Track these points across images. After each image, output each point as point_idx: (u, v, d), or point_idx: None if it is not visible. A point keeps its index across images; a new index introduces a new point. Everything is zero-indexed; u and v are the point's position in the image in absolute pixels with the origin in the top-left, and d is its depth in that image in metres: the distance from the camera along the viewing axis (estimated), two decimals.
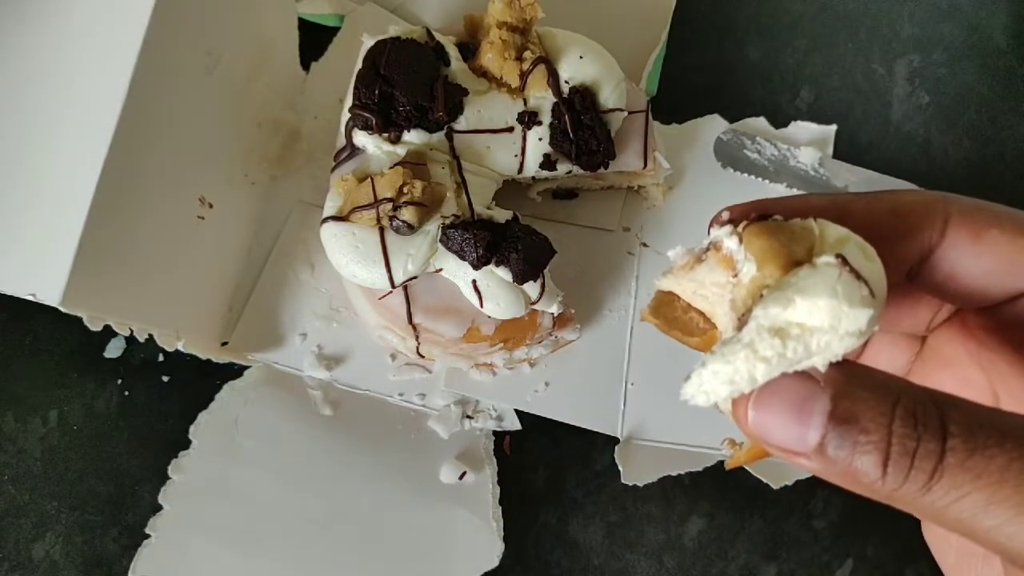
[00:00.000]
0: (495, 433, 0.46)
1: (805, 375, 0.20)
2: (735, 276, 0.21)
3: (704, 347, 0.23)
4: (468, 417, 0.46)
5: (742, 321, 0.21)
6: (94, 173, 0.37)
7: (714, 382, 0.20)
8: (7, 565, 0.42)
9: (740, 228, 0.21)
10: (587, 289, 0.48)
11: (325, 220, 0.40)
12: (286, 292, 0.47)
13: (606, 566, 0.45)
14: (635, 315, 0.48)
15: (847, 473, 0.19)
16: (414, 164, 0.40)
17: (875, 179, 0.50)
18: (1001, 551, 0.19)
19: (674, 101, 0.52)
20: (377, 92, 0.40)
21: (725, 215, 0.23)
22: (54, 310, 0.36)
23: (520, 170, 0.44)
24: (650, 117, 0.46)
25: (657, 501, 0.46)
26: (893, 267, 0.22)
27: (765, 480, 0.43)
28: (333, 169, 0.42)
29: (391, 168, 0.40)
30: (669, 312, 0.23)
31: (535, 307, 0.41)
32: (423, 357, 0.46)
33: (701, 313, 0.23)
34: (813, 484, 0.44)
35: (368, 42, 0.42)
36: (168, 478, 0.43)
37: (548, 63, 0.43)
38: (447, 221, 0.39)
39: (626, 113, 0.44)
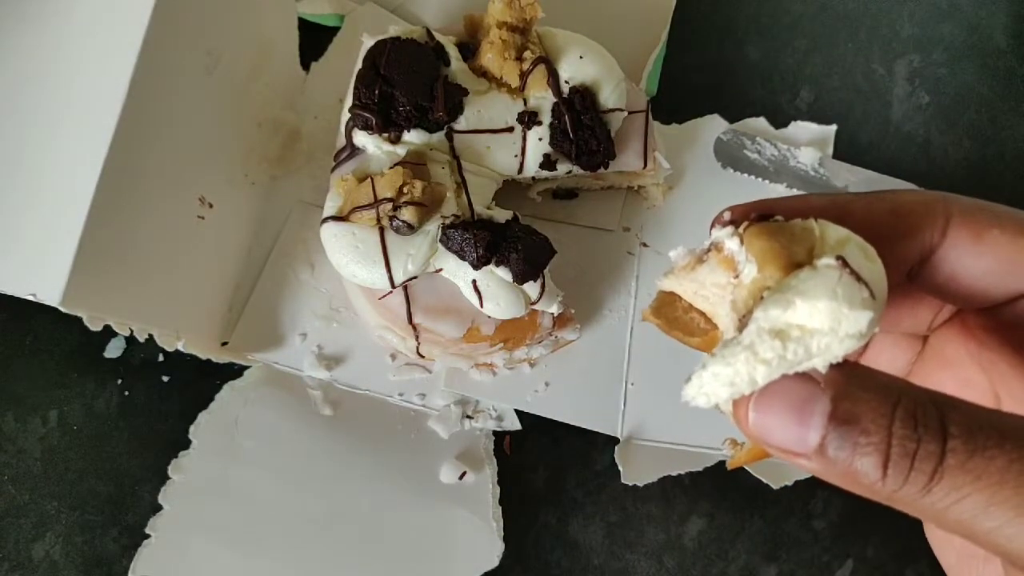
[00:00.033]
0: (495, 433, 0.46)
1: (805, 376, 0.20)
2: (736, 277, 0.21)
3: (705, 347, 0.23)
4: (468, 417, 0.46)
5: (743, 322, 0.21)
6: (94, 173, 0.37)
7: (714, 384, 0.20)
8: (7, 565, 0.42)
9: (741, 229, 0.21)
10: (587, 289, 0.48)
11: (325, 220, 0.40)
12: (286, 292, 0.47)
13: (606, 566, 0.45)
14: (635, 315, 0.48)
15: (847, 474, 0.19)
16: (414, 164, 0.40)
17: (875, 179, 0.50)
18: (1001, 552, 0.19)
19: (674, 101, 0.52)
20: (377, 92, 0.40)
21: (726, 216, 0.23)
22: (54, 310, 0.36)
23: (520, 170, 0.44)
24: (650, 117, 0.46)
25: (657, 501, 0.46)
26: (894, 267, 0.22)
27: (765, 480, 0.43)
28: (333, 169, 0.42)
29: (391, 168, 0.40)
30: (670, 312, 0.23)
31: (535, 307, 0.41)
32: (423, 357, 0.46)
33: (702, 313, 0.23)
34: (813, 484, 0.44)
35: (368, 42, 0.42)
36: (168, 478, 0.43)
37: (548, 63, 0.43)
38: (447, 221, 0.39)
39: (626, 113, 0.44)
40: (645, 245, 0.49)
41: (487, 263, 0.39)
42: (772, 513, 0.46)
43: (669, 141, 0.51)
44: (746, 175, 0.50)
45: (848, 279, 0.19)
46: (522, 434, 0.46)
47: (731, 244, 0.21)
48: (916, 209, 0.23)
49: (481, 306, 0.40)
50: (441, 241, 0.39)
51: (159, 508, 0.43)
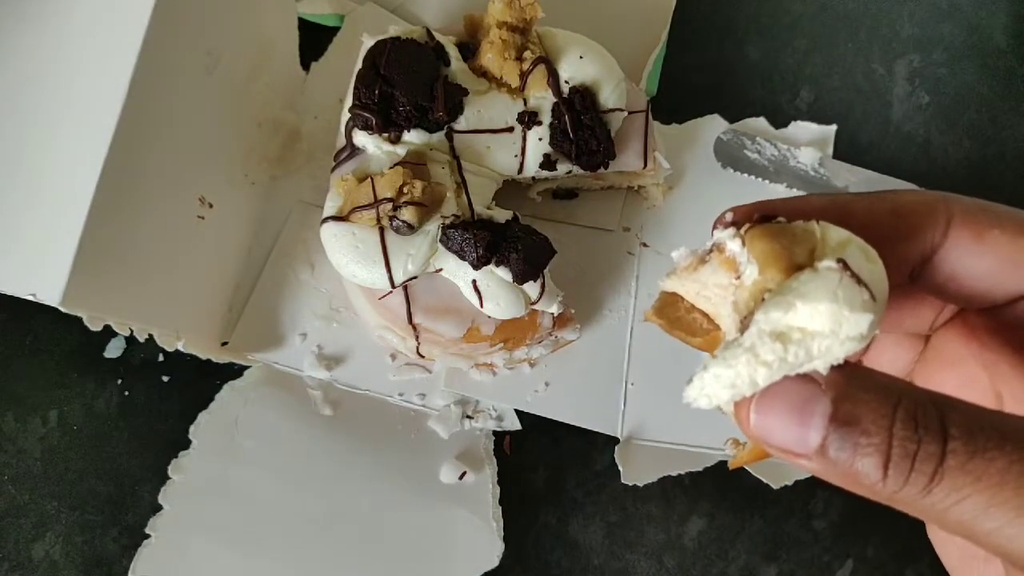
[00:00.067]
0: (495, 433, 0.46)
1: (806, 378, 0.20)
2: (738, 278, 0.21)
3: (707, 347, 0.23)
4: (468, 417, 0.46)
5: (745, 322, 0.21)
6: (94, 173, 0.37)
7: (716, 385, 0.20)
8: (7, 565, 0.42)
9: (743, 230, 0.22)
10: (587, 289, 0.48)
11: (325, 220, 0.40)
12: (286, 292, 0.47)
13: (606, 566, 0.45)
14: (635, 315, 0.48)
15: (848, 475, 0.19)
16: (414, 164, 0.40)
17: (875, 179, 0.50)
18: (1002, 553, 0.19)
19: (674, 101, 0.52)
20: (377, 92, 0.40)
21: (728, 216, 0.23)
22: (54, 310, 0.36)
23: (520, 170, 0.44)
24: (650, 117, 0.46)
25: (657, 501, 0.46)
26: (895, 268, 0.22)
27: (765, 480, 0.43)
28: (333, 169, 0.42)
29: (391, 168, 0.40)
30: (673, 312, 0.24)
31: (535, 307, 0.41)
32: (423, 357, 0.46)
33: (704, 314, 0.23)
34: (813, 484, 0.44)
35: (368, 42, 0.42)
36: (168, 478, 0.43)
37: (548, 63, 0.43)
38: (447, 221, 0.39)
39: (626, 113, 0.44)
40: (645, 245, 0.49)
41: (487, 263, 0.39)
42: (772, 513, 0.46)
43: (669, 141, 0.51)
44: (746, 175, 0.50)
45: (849, 281, 0.19)
46: (522, 434, 0.46)
47: (733, 245, 0.22)
48: (917, 210, 0.23)
49: (481, 306, 0.40)
50: (441, 241, 0.39)
51: (159, 508, 0.43)
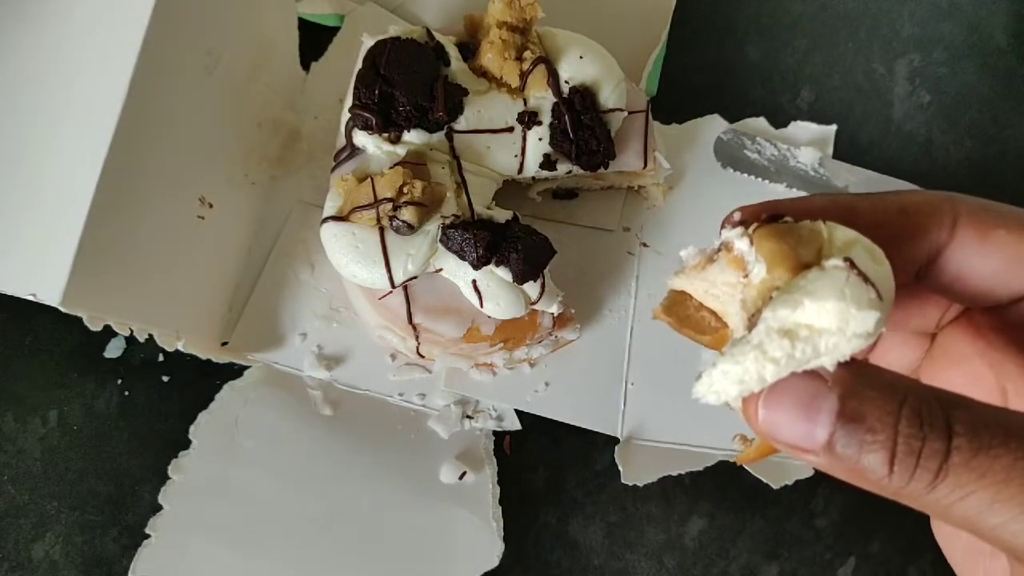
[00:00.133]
0: (495, 433, 0.46)
1: (814, 374, 0.20)
2: (746, 276, 0.22)
3: (715, 345, 0.23)
4: (468, 417, 0.46)
5: (752, 320, 0.21)
6: (94, 173, 0.37)
7: (724, 382, 0.21)
8: (7, 565, 0.42)
9: (751, 230, 0.22)
10: (587, 289, 0.48)
11: (325, 220, 0.40)
12: (286, 292, 0.47)
13: (606, 566, 0.45)
14: (635, 315, 0.48)
15: (854, 470, 0.20)
16: (414, 164, 0.40)
17: (875, 179, 0.50)
18: (1006, 548, 0.19)
19: (674, 101, 0.52)
20: (377, 92, 0.40)
21: (736, 216, 0.23)
22: (54, 310, 0.36)
23: (520, 170, 0.44)
24: (650, 117, 0.46)
25: (657, 501, 0.46)
26: (901, 268, 0.22)
27: (765, 480, 0.43)
28: (333, 169, 0.42)
29: (391, 168, 0.40)
30: (681, 311, 0.24)
31: (535, 307, 0.41)
32: (423, 357, 0.46)
33: (712, 312, 0.23)
34: (814, 483, 0.44)
35: (368, 42, 0.42)
36: (168, 478, 0.43)
37: (548, 63, 0.43)
38: (447, 221, 0.39)
39: (626, 113, 0.44)
40: (645, 245, 0.49)
41: (487, 263, 0.39)
42: (773, 512, 0.46)
43: (669, 141, 0.51)
44: (746, 175, 0.50)
45: (856, 280, 0.20)
46: (522, 434, 0.46)
47: (741, 244, 0.22)
48: (923, 210, 0.23)
49: (481, 306, 0.40)
50: (441, 241, 0.39)
51: (159, 508, 0.43)
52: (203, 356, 0.44)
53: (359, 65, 0.42)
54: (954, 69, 0.55)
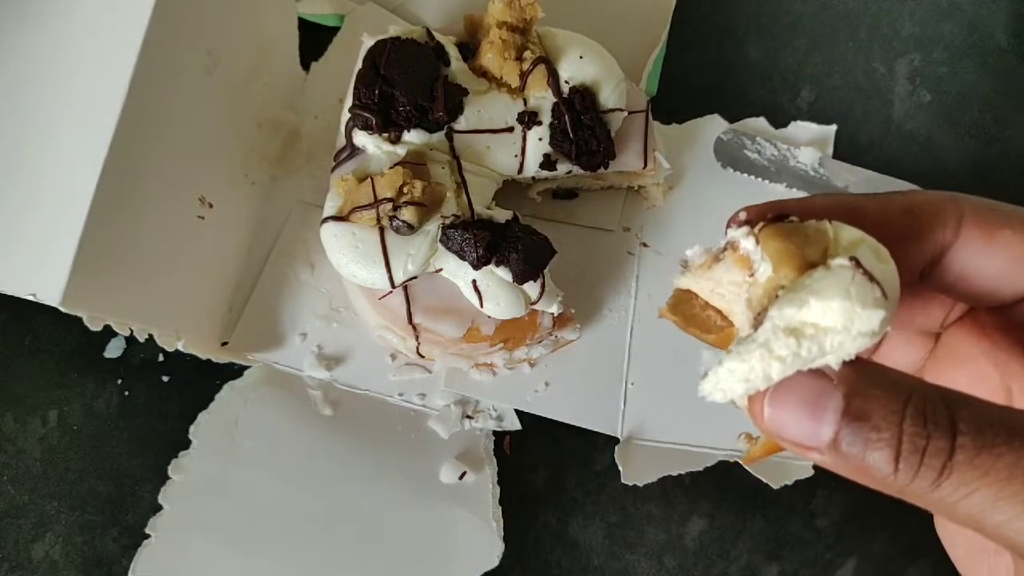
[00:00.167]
0: (495, 433, 0.46)
1: (819, 373, 0.20)
2: (752, 276, 0.22)
3: (721, 344, 0.23)
4: (468, 417, 0.46)
5: (758, 319, 0.21)
6: (94, 173, 0.37)
7: (730, 380, 0.21)
8: (7, 565, 0.42)
9: (757, 229, 0.22)
10: (587, 289, 0.48)
11: (325, 220, 0.40)
12: (286, 292, 0.47)
13: (606, 566, 0.45)
14: (635, 315, 0.48)
15: (859, 468, 0.20)
16: (414, 164, 0.40)
17: (875, 179, 0.50)
18: (1010, 546, 0.19)
19: (674, 101, 0.52)
20: (377, 92, 0.40)
21: (742, 215, 0.23)
22: (54, 310, 0.36)
23: (520, 170, 0.44)
24: (650, 117, 0.46)
25: (657, 501, 0.46)
26: (906, 267, 0.23)
27: (765, 480, 0.43)
28: (333, 169, 0.42)
29: (391, 168, 0.40)
30: (687, 309, 0.24)
31: (535, 307, 0.41)
32: (423, 357, 0.46)
33: (718, 311, 0.24)
34: (814, 483, 0.44)
35: (368, 42, 0.42)
36: (168, 478, 0.43)
37: (548, 63, 0.43)
38: (447, 221, 0.39)
39: (626, 113, 0.44)
40: (645, 245, 0.49)
41: (487, 263, 0.39)
42: (774, 512, 0.46)
43: (669, 141, 0.51)
44: (746, 175, 0.50)
45: (861, 279, 0.20)
46: (522, 434, 0.46)
47: (747, 244, 0.22)
48: (928, 210, 0.23)
49: (481, 306, 0.40)
50: (441, 241, 0.39)
51: (159, 508, 0.43)
52: (203, 356, 0.44)
53: (359, 65, 0.42)
54: (954, 69, 0.55)
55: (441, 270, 0.40)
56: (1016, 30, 0.56)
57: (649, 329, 0.47)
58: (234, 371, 0.46)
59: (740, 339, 0.21)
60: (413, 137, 0.41)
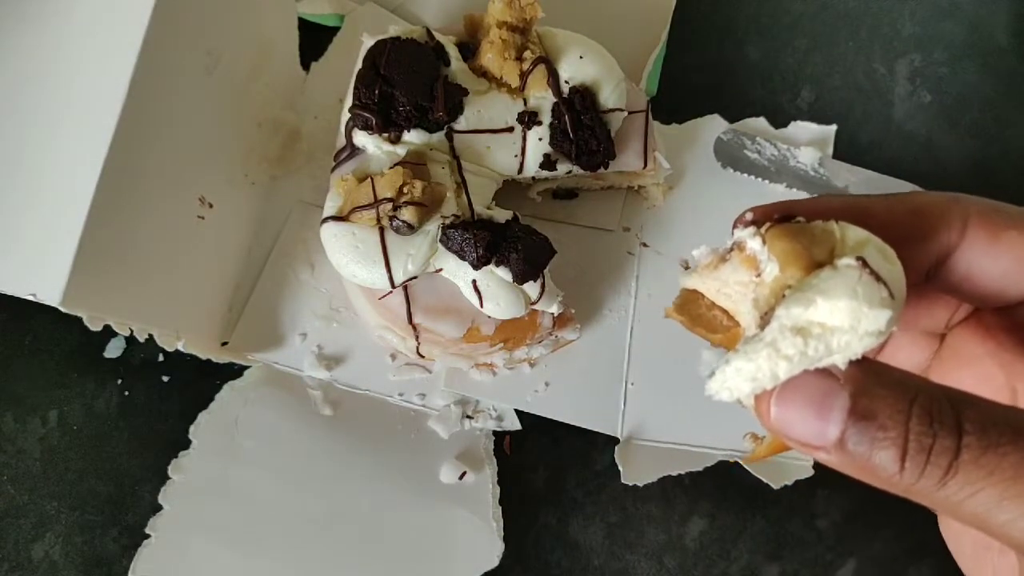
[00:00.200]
0: (495, 433, 0.46)
1: (826, 372, 0.20)
2: (758, 276, 0.22)
3: (727, 344, 0.24)
4: (468, 417, 0.46)
5: (764, 319, 0.21)
6: (94, 173, 0.37)
7: (737, 379, 0.21)
8: (7, 565, 0.42)
9: (763, 230, 0.22)
10: (587, 289, 0.48)
11: (325, 220, 0.40)
12: (286, 292, 0.47)
13: (606, 567, 0.45)
14: (635, 315, 0.48)
15: (865, 467, 0.20)
16: (414, 164, 0.40)
17: (875, 179, 0.50)
18: (1015, 545, 0.20)
19: (674, 101, 0.52)
20: (377, 92, 0.40)
21: (749, 216, 0.23)
22: (54, 310, 0.36)
23: (520, 170, 0.44)
24: (650, 117, 0.46)
25: (657, 501, 0.46)
26: (912, 268, 0.23)
27: (765, 480, 0.43)
28: (333, 169, 0.42)
29: (391, 168, 0.40)
30: (693, 309, 0.24)
31: (535, 307, 0.41)
32: (423, 357, 0.46)
33: (724, 311, 0.24)
34: (814, 483, 0.44)
35: (368, 42, 0.42)
36: (168, 478, 0.43)
37: (548, 63, 0.43)
38: (447, 221, 0.39)
39: (626, 113, 0.44)
40: (645, 245, 0.49)
41: (487, 263, 0.39)
42: (774, 513, 0.46)
43: (669, 141, 0.51)
44: (746, 175, 0.50)
45: (868, 279, 0.20)
46: (522, 434, 0.46)
47: (753, 244, 0.22)
48: (934, 211, 0.24)
49: (481, 306, 0.40)
50: (441, 241, 0.39)
51: (159, 508, 0.43)
52: (203, 356, 0.44)
53: (359, 65, 0.42)
54: (955, 69, 0.55)
55: (441, 270, 0.40)
56: (1017, 30, 0.56)
57: (649, 329, 0.47)
58: (234, 371, 0.46)
59: (747, 338, 0.22)
60: (413, 137, 0.41)
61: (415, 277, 0.40)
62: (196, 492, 0.43)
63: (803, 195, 0.50)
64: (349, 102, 0.41)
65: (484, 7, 0.43)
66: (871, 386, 0.20)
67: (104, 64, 0.38)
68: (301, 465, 0.44)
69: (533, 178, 0.46)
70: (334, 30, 0.52)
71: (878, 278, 0.20)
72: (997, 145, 0.53)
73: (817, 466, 0.43)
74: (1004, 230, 0.23)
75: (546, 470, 0.46)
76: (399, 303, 0.41)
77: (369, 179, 0.40)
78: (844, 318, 0.20)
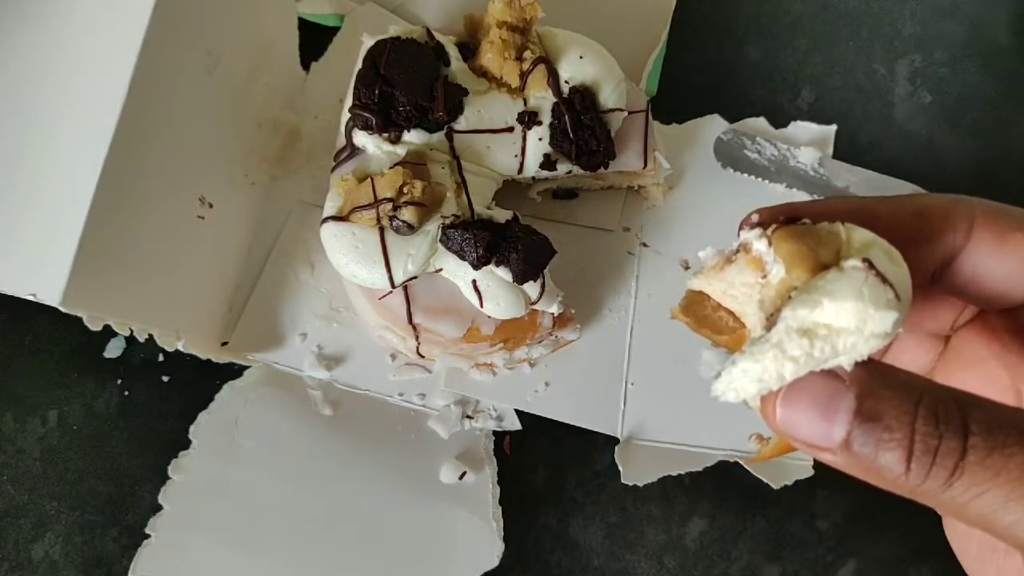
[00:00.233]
0: (495, 433, 0.46)
1: (831, 374, 0.20)
2: (764, 277, 0.22)
3: (733, 345, 0.24)
4: (468, 417, 0.46)
5: (770, 321, 0.21)
6: (94, 173, 0.37)
7: (744, 380, 0.21)
8: (7, 565, 0.42)
9: (769, 231, 0.22)
10: (587, 289, 0.48)
11: (325, 220, 0.40)
12: (286, 292, 0.47)
13: (606, 567, 0.45)
14: (635, 315, 0.48)
15: (871, 469, 0.20)
16: (414, 164, 0.40)
17: (875, 179, 0.50)
18: (1020, 546, 0.20)
19: (674, 101, 0.52)
20: (377, 92, 0.40)
21: (755, 218, 0.23)
22: (54, 310, 0.36)
23: (520, 170, 0.44)
24: (650, 117, 0.46)
25: (657, 501, 0.46)
26: (918, 270, 0.23)
27: (766, 480, 0.43)
28: (333, 169, 0.42)
29: (391, 168, 0.40)
30: (699, 311, 0.24)
31: (535, 307, 0.41)
32: (423, 357, 0.46)
33: (730, 312, 0.24)
34: (815, 484, 0.44)
35: (368, 42, 0.42)
36: (168, 478, 0.43)
37: (548, 63, 0.43)
38: (447, 221, 0.39)
39: (626, 113, 0.44)
40: (645, 245, 0.49)
41: (487, 263, 0.39)
42: (775, 513, 0.46)
43: (669, 141, 0.51)
44: (746, 175, 0.50)
45: (874, 280, 0.20)
46: (522, 434, 0.46)
47: (759, 246, 0.22)
48: (939, 213, 0.24)
49: (481, 306, 0.40)
50: (441, 241, 0.39)
51: (159, 508, 0.43)
52: (203, 356, 0.44)
53: (359, 65, 0.42)
54: (956, 69, 0.55)
55: (441, 270, 0.40)
56: (1018, 30, 0.56)
57: (649, 329, 0.47)
58: (234, 371, 0.46)
59: (753, 340, 0.22)
60: (413, 137, 0.41)
61: (415, 277, 0.40)
62: (196, 492, 0.43)
63: (803, 195, 0.50)
64: (349, 102, 0.41)
65: (484, 7, 0.43)
66: (877, 387, 0.20)
67: (104, 64, 0.38)
68: (301, 465, 0.44)
69: (533, 178, 0.46)
70: (334, 30, 0.52)
71: (884, 280, 0.20)
72: (998, 145, 0.53)
73: (817, 466, 0.43)
74: (1010, 232, 0.23)
75: (546, 470, 0.46)
76: (399, 303, 0.41)
77: (369, 179, 0.40)
78: (850, 320, 0.20)
